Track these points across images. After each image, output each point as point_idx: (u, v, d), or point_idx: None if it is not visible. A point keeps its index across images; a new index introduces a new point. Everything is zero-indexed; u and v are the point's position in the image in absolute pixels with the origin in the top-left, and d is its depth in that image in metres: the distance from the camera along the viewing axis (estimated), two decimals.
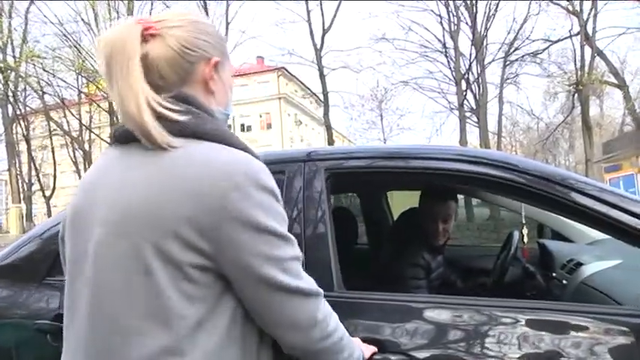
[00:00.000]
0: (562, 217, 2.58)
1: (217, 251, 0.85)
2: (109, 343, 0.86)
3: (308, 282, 0.94)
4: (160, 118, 0.87)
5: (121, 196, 0.87)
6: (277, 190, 0.91)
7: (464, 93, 19.92)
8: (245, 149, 0.93)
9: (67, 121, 25.14)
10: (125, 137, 0.92)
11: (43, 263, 2.02)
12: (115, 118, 21.32)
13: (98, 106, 22.57)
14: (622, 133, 21.28)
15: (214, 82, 0.98)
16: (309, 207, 1.49)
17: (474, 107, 20.12)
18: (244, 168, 0.87)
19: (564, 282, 2.00)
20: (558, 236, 2.61)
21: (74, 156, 27.10)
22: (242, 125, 38.36)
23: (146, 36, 0.91)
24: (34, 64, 21.12)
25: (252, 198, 0.86)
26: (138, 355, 0.83)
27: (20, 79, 22.39)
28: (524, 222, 2.32)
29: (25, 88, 24.13)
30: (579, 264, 2.01)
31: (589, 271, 1.92)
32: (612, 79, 19.45)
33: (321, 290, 0.96)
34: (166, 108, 0.88)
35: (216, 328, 0.86)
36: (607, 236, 2.47)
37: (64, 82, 22.17)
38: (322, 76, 20.27)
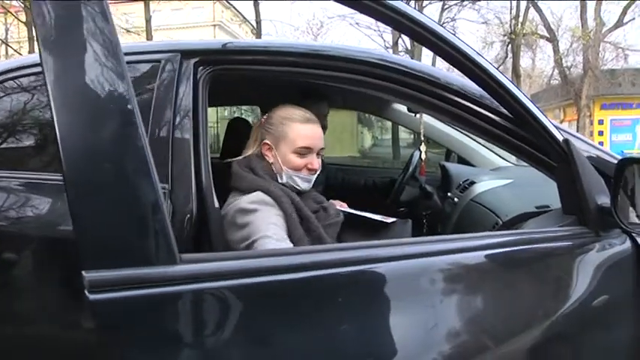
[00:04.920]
0: (469, 144, 2.60)
1: None
2: None
3: None
4: None
5: None
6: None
7: (399, 32, 19.70)
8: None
9: None
10: None
11: None
12: (32, 31, 19.58)
13: (16, 18, 20.49)
14: (549, 86, 22.07)
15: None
16: (178, 112, 1.24)
17: (409, 47, 20.06)
18: None
19: (456, 200, 2.01)
20: (464, 162, 2.62)
21: None
22: None
23: None
24: None
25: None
26: None
27: None
28: (422, 139, 2.27)
29: None
30: (472, 183, 2.02)
31: (479, 190, 1.94)
32: (545, 33, 19.90)
33: None
34: None
35: None
36: (510, 164, 2.52)
37: None
38: (256, 3, 19.08)
